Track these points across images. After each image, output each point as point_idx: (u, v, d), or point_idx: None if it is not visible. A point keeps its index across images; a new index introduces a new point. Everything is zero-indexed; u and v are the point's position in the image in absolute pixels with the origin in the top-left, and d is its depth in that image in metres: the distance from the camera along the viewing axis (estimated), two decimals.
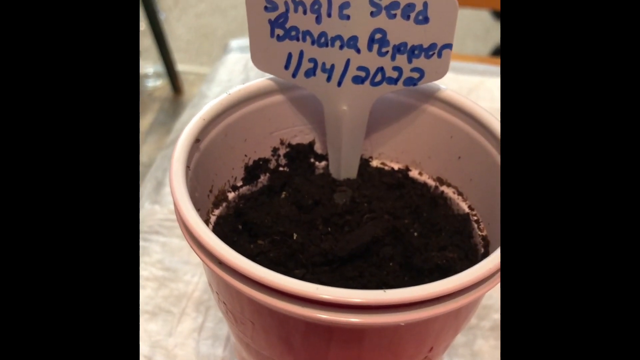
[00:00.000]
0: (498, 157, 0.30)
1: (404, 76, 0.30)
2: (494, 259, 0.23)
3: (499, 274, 0.23)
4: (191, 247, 0.25)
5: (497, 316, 0.42)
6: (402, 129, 0.34)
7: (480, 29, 1.75)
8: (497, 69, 0.66)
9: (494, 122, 0.30)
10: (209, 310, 0.42)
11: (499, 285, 0.43)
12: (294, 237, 0.30)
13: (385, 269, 0.29)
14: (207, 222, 0.31)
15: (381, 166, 0.35)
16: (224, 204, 0.32)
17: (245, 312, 0.26)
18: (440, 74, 0.30)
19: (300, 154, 0.35)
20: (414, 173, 0.35)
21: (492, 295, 0.44)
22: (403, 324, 0.22)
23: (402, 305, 0.22)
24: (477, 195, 0.32)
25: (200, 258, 0.24)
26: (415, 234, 0.31)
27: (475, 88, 0.63)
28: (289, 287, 0.22)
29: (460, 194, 0.33)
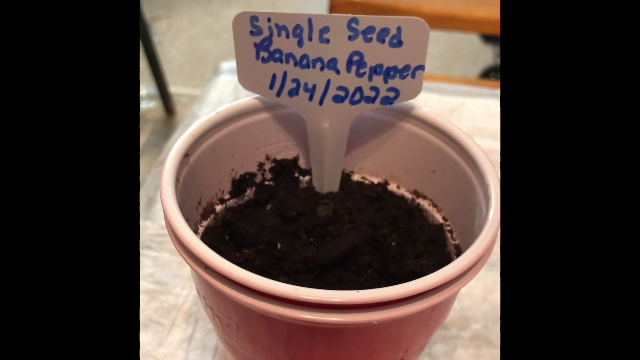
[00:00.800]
0: (468, 170, 0.31)
1: (381, 95, 0.32)
2: (458, 264, 0.25)
3: (464, 278, 0.25)
4: (179, 253, 0.26)
5: (476, 326, 0.44)
6: (380, 145, 0.36)
7: (469, 52, 1.78)
8: (479, 90, 0.69)
9: (464, 137, 0.32)
10: (198, 322, 0.44)
11: (478, 297, 0.45)
12: (278, 247, 0.31)
13: (364, 276, 0.30)
14: (195, 232, 0.32)
15: (362, 180, 0.37)
16: (212, 216, 0.34)
17: (230, 314, 0.28)
18: (415, 93, 0.32)
19: (285, 169, 0.37)
20: (392, 186, 0.37)
21: (472, 307, 0.45)
22: (376, 322, 0.24)
23: (376, 304, 0.24)
24: (450, 207, 0.34)
25: (188, 263, 0.26)
26: (393, 243, 0.33)
27: (458, 108, 0.66)
28: (269, 289, 0.24)
29: (435, 205, 0.35)
